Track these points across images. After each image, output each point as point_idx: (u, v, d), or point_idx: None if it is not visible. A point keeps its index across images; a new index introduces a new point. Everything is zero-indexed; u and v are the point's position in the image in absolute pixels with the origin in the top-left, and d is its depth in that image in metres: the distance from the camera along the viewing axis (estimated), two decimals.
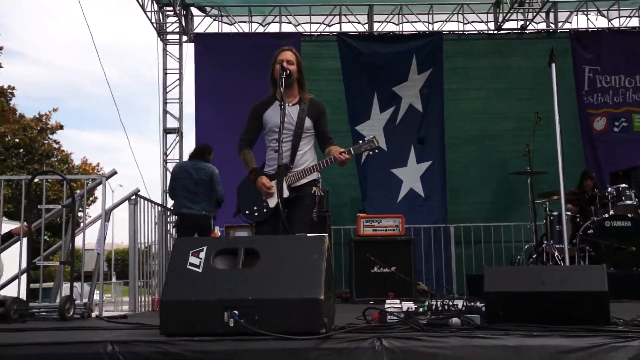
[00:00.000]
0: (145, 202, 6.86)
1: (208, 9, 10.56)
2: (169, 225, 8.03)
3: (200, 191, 7.39)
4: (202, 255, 3.31)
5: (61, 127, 24.59)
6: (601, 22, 10.59)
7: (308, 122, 4.54)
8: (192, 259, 3.30)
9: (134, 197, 6.47)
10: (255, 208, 4.54)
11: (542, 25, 10.65)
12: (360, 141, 4.48)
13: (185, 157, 9.34)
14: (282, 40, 9.79)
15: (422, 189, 10.00)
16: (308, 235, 3.51)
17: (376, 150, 4.44)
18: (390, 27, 10.62)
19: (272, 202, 4.45)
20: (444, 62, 10.21)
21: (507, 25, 10.42)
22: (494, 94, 10.28)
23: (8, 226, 7.29)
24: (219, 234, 8.07)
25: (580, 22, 10.62)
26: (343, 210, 9.92)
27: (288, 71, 4.44)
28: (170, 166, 10.20)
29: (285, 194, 4.38)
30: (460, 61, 10.35)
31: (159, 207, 7.69)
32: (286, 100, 4.49)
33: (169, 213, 7.85)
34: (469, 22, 10.55)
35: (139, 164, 18.73)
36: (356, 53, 10.21)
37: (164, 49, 10.58)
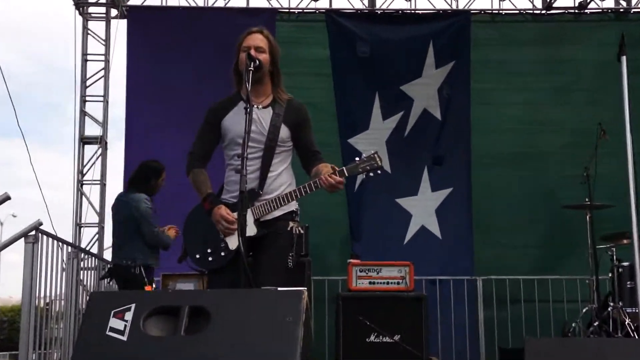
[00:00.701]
0: (50, 239, 6.77)
1: None
2: (83, 273, 7.97)
3: (126, 233, 7.46)
4: (129, 316, 3.28)
5: None
6: None
7: (285, 132, 4.56)
8: (114, 322, 3.26)
9: (32, 232, 6.37)
10: (208, 250, 4.52)
11: (609, 3, 10.81)
12: (357, 158, 4.46)
13: (114, 177, 9.36)
14: (250, 18, 9.87)
15: (439, 227, 10.04)
16: (280, 289, 3.50)
17: (379, 172, 4.44)
18: (399, 4, 10.72)
19: (233, 242, 4.43)
20: (472, 52, 10.32)
21: (560, 2, 10.58)
22: (541, 97, 10.40)
23: None
24: (153, 285, 8.02)
25: None
26: (329, 255, 9.92)
27: (257, 61, 4.46)
28: (87, 189, 10.21)
29: (251, 231, 4.37)
30: (495, 51, 10.47)
31: (69, 248, 7.64)
32: (254, 102, 4.49)
33: (83, 255, 7.80)
34: None
35: (42, 185, 18.59)
36: (351, 38, 10.29)
37: (85, 27, 10.60)
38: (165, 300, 3.40)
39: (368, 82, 10.25)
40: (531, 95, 10.40)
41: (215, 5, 10.61)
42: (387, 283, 7.69)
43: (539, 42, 10.55)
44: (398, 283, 7.70)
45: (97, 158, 10.37)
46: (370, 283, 7.72)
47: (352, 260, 8.09)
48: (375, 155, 4.45)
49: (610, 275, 8.02)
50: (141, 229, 7.36)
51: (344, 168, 4.43)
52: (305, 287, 4.44)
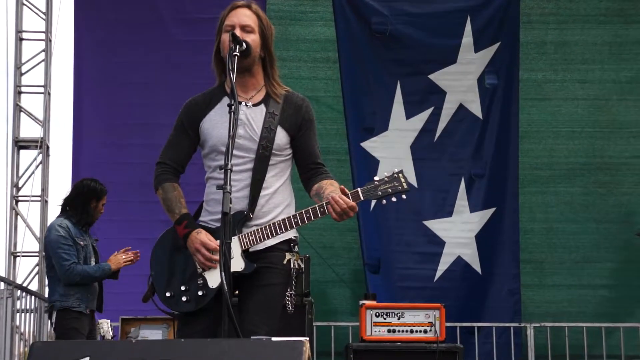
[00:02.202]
0: None
1: None
2: (19, 316, 8.00)
3: (48, 270, 7.70)
4: None
5: None
6: None
7: (282, 136, 4.57)
8: None
9: None
10: (182, 288, 4.52)
11: None
12: (376, 178, 4.49)
13: (58, 192, 9.39)
14: None
15: (479, 258, 10.07)
16: (275, 339, 3.53)
17: (403, 196, 4.48)
18: None
19: (214, 279, 4.44)
20: (522, 32, 10.38)
21: None
22: (613, 91, 10.46)
23: None
24: (110, 332, 8.08)
25: None
26: (336, 294, 9.96)
27: (244, 44, 4.45)
28: (23, 207, 10.21)
29: (237, 265, 4.39)
30: (550, 31, 10.53)
31: (1, 284, 7.68)
32: (242, 97, 4.52)
33: (19, 294, 7.84)
34: None
35: None
36: (365, 12, 10.32)
37: None
38: (126, 355, 3.42)
39: (387, 70, 10.31)
40: (600, 89, 10.46)
41: None
42: (412, 331, 7.71)
43: (607, 20, 10.59)
44: (425, 331, 7.72)
45: (37, 167, 10.39)
46: (389, 331, 7.74)
47: (365, 302, 8.10)
48: (400, 175, 4.49)
49: None
50: (53, 260, 7.47)
51: (358, 190, 4.44)
52: (307, 335, 4.46)
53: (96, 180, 7.89)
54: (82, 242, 7.56)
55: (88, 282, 7.53)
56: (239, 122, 4.44)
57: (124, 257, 7.58)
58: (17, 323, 7.91)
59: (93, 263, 7.63)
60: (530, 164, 10.25)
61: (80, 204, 7.70)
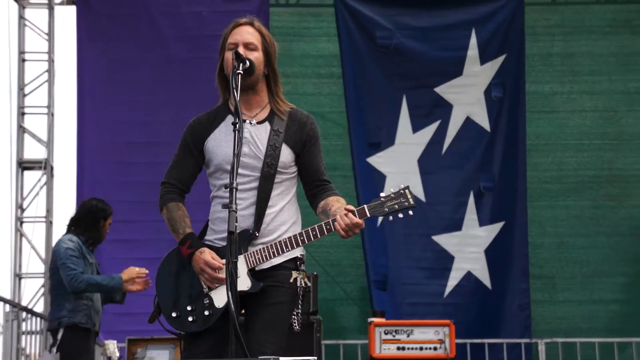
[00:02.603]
0: None
1: None
2: (24, 338, 8.01)
3: (52, 287, 7.65)
4: None
5: None
6: None
7: (287, 154, 4.56)
8: None
9: None
10: (188, 308, 4.52)
11: None
12: (382, 194, 4.48)
13: (63, 213, 9.42)
14: (235, 4, 9.95)
15: (489, 273, 10.06)
16: (282, 359, 3.52)
17: (410, 212, 4.47)
18: None
19: (220, 298, 4.44)
20: (527, 44, 10.39)
21: None
22: (621, 102, 10.48)
23: None
24: (117, 353, 8.09)
25: None
26: (344, 312, 9.97)
27: (247, 62, 4.44)
28: (28, 228, 10.23)
29: (244, 284, 4.39)
30: (558, 43, 10.55)
31: (7, 306, 7.70)
32: (246, 115, 4.52)
33: (25, 315, 7.84)
34: None
35: None
36: (369, 26, 10.34)
37: (21, 17, 10.68)
38: None
39: (392, 84, 10.34)
40: (608, 101, 10.48)
41: None
42: (421, 349, 7.71)
43: (613, 30, 10.61)
44: (435, 349, 7.72)
45: (41, 188, 10.42)
46: (398, 349, 7.74)
47: (374, 319, 8.10)
48: (407, 191, 4.47)
49: None
50: (61, 276, 7.48)
51: (365, 207, 4.44)
52: (315, 354, 4.47)
53: (102, 200, 7.93)
54: (90, 260, 7.57)
55: (95, 291, 7.50)
56: (243, 141, 4.45)
57: (137, 269, 7.55)
58: (23, 345, 7.91)
59: None
60: (539, 178, 10.25)
61: (91, 223, 7.71)
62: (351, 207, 4.41)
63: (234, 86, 4.31)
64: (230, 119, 4.44)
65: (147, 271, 7.51)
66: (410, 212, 4.47)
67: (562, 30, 10.59)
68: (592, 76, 10.52)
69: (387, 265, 10.00)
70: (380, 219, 9.67)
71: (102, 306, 7.71)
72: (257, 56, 4.54)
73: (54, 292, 7.63)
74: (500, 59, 10.37)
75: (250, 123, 4.55)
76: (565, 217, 10.24)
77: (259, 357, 3.82)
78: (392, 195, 4.47)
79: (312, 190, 4.67)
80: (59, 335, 7.46)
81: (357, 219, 4.36)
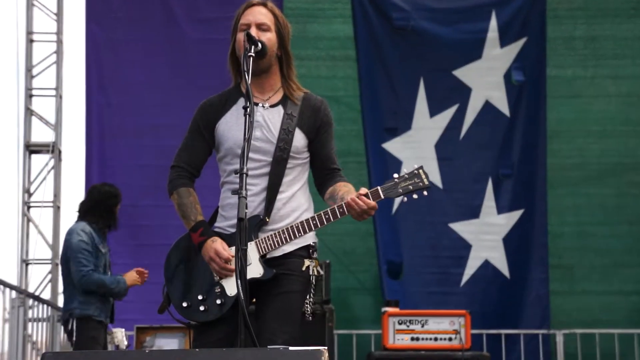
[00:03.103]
0: None
1: None
2: (31, 325, 8.03)
3: (65, 277, 7.73)
4: None
5: None
6: None
7: (300, 139, 4.56)
8: None
9: None
10: (199, 297, 4.51)
11: None
12: (396, 175, 4.47)
13: (71, 198, 9.44)
14: None
15: (507, 262, 10.05)
16: (292, 348, 3.51)
17: (425, 193, 4.47)
18: None
19: (232, 286, 4.41)
20: (549, 26, 10.36)
21: None
22: None
23: None
24: (125, 341, 8.12)
25: None
26: (357, 301, 9.97)
27: (260, 44, 4.43)
28: (36, 213, 10.25)
29: (255, 271, 4.39)
30: (580, 26, 10.50)
31: (13, 292, 7.72)
32: (258, 99, 4.52)
33: (32, 302, 7.87)
34: None
35: None
36: (384, 8, 10.30)
37: None
38: None
39: (409, 67, 10.31)
40: (629, 85, 10.42)
41: None
42: (436, 339, 7.70)
43: (638, 13, 10.55)
44: (450, 339, 7.71)
45: (49, 172, 10.44)
46: (412, 339, 7.73)
47: (388, 309, 8.11)
48: (420, 171, 4.46)
49: None
50: (70, 267, 7.52)
51: (378, 188, 4.42)
52: (327, 344, 4.45)
53: (113, 185, 7.96)
54: (103, 250, 7.61)
55: (102, 292, 7.55)
56: (255, 124, 4.44)
57: (134, 276, 7.58)
58: (29, 332, 7.94)
59: (110, 274, 7.69)
60: (560, 165, 10.21)
61: (105, 210, 7.74)
62: (364, 190, 4.39)
63: (245, 69, 4.30)
64: (241, 102, 4.44)
65: (146, 271, 7.56)
66: (425, 193, 4.46)
67: (585, 12, 10.51)
68: (615, 60, 10.45)
69: (402, 253, 9.99)
70: (395, 207, 9.77)
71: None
72: (269, 37, 4.53)
73: (65, 282, 7.69)
74: (521, 42, 10.31)
75: (263, 106, 4.55)
76: (587, 206, 10.19)
77: (269, 347, 3.82)
78: (405, 175, 4.46)
79: (322, 177, 4.68)
80: (70, 327, 7.51)
81: (371, 202, 4.35)
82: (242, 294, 3.91)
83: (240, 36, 4.48)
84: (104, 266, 7.60)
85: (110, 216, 7.73)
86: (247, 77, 4.26)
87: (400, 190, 4.45)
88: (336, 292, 9.01)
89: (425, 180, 4.46)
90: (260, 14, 4.56)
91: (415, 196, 4.48)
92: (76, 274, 7.43)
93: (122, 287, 7.51)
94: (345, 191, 4.48)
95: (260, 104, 4.53)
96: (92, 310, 7.48)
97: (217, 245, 4.47)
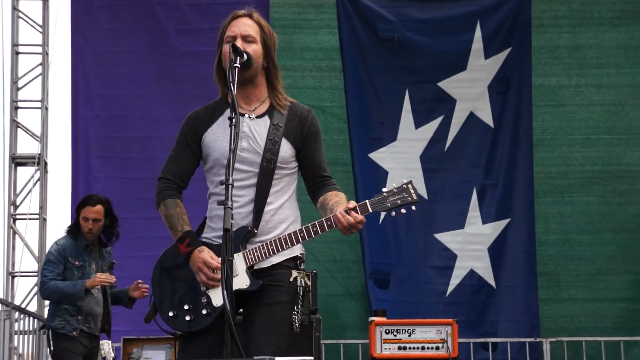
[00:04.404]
0: None
1: None
2: (17, 338, 7.99)
3: None
4: None
5: None
6: None
7: (286, 149, 4.56)
8: None
9: None
10: (185, 307, 4.53)
11: None
12: (385, 189, 4.50)
13: (57, 210, 9.41)
14: None
15: (492, 272, 10.08)
16: (279, 359, 3.53)
17: (413, 207, 4.49)
18: None
19: (218, 297, 4.42)
20: (534, 36, 10.42)
21: None
22: (630, 96, 10.48)
23: None
24: (112, 353, 8.10)
25: None
26: (344, 310, 10.00)
27: (245, 55, 4.44)
28: (22, 226, 10.22)
29: (242, 282, 4.41)
30: (565, 35, 10.56)
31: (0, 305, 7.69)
32: (244, 109, 4.54)
33: (18, 315, 7.83)
34: None
35: None
36: (371, 19, 10.35)
37: (14, 8, 10.71)
38: None
39: (395, 78, 10.37)
40: (613, 94, 10.48)
41: None
42: (423, 348, 7.72)
43: (622, 22, 10.60)
44: (437, 348, 7.73)
45: (35, 184, 10.45)
46: (399, 348, 7.75)
47: (375, 318, 8.12)
48: (409, 186, 4.49)
49: None
50: None
51: (367, 202, 4.44)
52: (314, 354, 4.46)
53: (91, 194, 7.95)
54: (77, 262, 7.58)
55: (60, 299, 7.54)
56: (242, 135, 4.47)
57: (103, 277, 7.53)
58: (15, 344, 7.91)
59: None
60: (545, 173, 10.27)
61: (75, 219, 7.77)
62: (353, 204, 4.42)
63: (231, 80, 4.29)
64: (228, 113, 4.38)
65: (113, 279, 7.49)
66: (413, 208, 4.48)
67: (569, 21, 10.59)
68: (600, 69, 10.53)
69: (390, 263, 10.01)
70: (382, 216, 9.76)
71: (107, 307, 7.74)
72: (255, 49, 4.53)
73: None
74: (506, 52, 10.40)
75: (249, 117, 4.56)
76: (571, 214, 10.25)
77: (255, 357, 3.82)
78: (394, 190, 4.48)
79: (313, 186, 4.69)
80: (47, 338, 7.53)
81: (359, 217, 4.37)
82: (228, 304, 3.90)
83: (226, 47, 4.46)
84: (80, 279, 7.56)
85: (75, 224, 7.71)
86: (232, 88, 4.24)
87: (389, 205, 4.47)
88: (325, 300, 9.05)
89: (413, 195, 4.48)
90: (245, 25, 4.56)
91: (403, 210, 4.49)
92: (39, 284, 7.46)
93: (78, 289, 7.44)
94: (336, 201, 4.49)
95: (246, 115, 4.53)
96: (56, 323, 7.53)
97: (205, 255, 4.47)
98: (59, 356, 7.57)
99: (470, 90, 10.35)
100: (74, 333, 7.49)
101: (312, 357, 3.45)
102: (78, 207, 7.80)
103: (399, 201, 4.46)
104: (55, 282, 7.50)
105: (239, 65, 4.37)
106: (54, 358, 7.56)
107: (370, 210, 4.42)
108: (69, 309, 7.53)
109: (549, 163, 10.30)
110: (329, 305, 9.56)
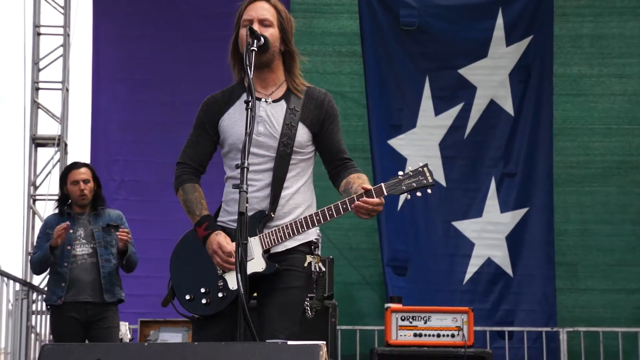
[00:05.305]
0: None
1: None
2: (35, 317, 8.03)
3: None
4: None
5: None
6: None
7: (303, 133, 4.58)
8: None
9: None
10: (202, 291, 4.57)
11: None
12: (400, 173, 4.50)
13: None
14: None
15: (510, 260, 10.07)
16: (291, 343, 3.55)
17: (429, 191, 4.49)
18: None
19: (234, 280, 4.34)
20: (555, 24, 10.38)
21: None
22: None
23: None
24: (129, 335, 8.14)
25: None
26: (361, 297, 10.01)
27: (262, 39, 4.44)
28: (42, 206, 10.26)
29: (259, 265, 4.44)
30: (586, 24, 10.51)
31: (17, 285, 7.73)
32: (261, 93, 4.56)
33: (35, 296, 7.86)
34: None
35: None
36: (392, 4, 10.32)
37: None
38: (138, 358, 3.45)
39: (415, 64, 10.33)
40: (635, 84, 10.43)
41: None
42: (439, 336, 7.73)
43: None
44: (453, 336, 7.74)
45: (54, 165, 10.46)
46: (415, 335, 7.76)
47: (391, 305, 8.14)
48: (425, 169, 4.48)
49: None
50: None
51: (382, 185, 4.43)
52: (329, 338, 4.46)
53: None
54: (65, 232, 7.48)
55: (40, 269, 7.62)
56: (258, 119, 4.49)
57: (60, 229, 7.35)
58: (33, 324, 7.95)
59: (84, 250, 7.56)
60: (565, 163, 10.24)
61: (60, 193, 7.79)
62: (368, 186, 4.42)
63: (247, 63, 4.31)
64: (245, 97, 4.38)
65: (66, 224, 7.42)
66: (429, 191, 4.48)
67: (592, 10, 10.52)
68: (622, 59, 10.47)
69: (408, 250, 10.01)
70: (400, 203, 9.77)
71: (110, 273, 7.62)
72: (272, 33, 4.56)
73: None
74: (527, 40, 10.34)
75: (266, 101, 4.59)
76: (591, 204, 10.21)
77: (267, 341, 3.83)
78: (410, 173, 4.48)
79: (334, 169, 4.71)
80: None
81: (375, 200, 4.37)
82: (242, 288, 3.93)
83: (243, 31, 4.50)
84: (63, 249, 7.48)
85: (62, 196, 7.73)
86: (249, 71, 4.27)
87: (404, 188, 4.46)
88: (341, 288, 9.05)
89: (429, 178, 4.47)
90: (262, 9, 4.59)
91: (419, 194, 4.49)
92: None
93: (44, 251, 7.41)
94: (359, 183, 4.49)
95: (263, 99, 4.58)
96: (48, 296, 7.56)
97: (220, 238, 4.51)
98: (52, 328, 7.60)
99: (491, 77, 10.30)
100: (59, 301, 7.43)
101: (324, 342, 3.43)
102: (62, 176, 7.76)
103: (415, 184, 4.46)
104: (35, 255, 7.57)
105: (256, 49, 4.39)
106: (51, 331, 7.55)
107: (386, 193, 4.42)
108: (53, 278, 7.55)
109: (569, 152, 10.26)
110: (345, 292, 9.59)
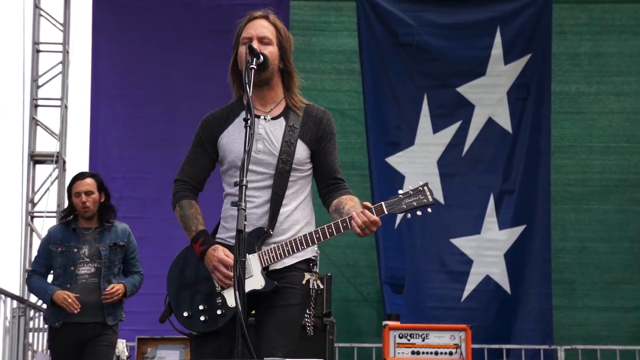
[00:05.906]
0: None
1: None
2: (32, 335, 8.01)
3: None
4: None
5: None
6: None
7: (302, 151, 4.58)
8: None
9: None
10: (200, 308, 4.56)
11: None
12: (400, 191, 4.51)
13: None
14: None
15: (508, 278, 10.06)
16: None
17: (429, 210, 4.50)
18: None
19: (232, 297, 4.36)
20: (554, 43, 10.39)
21: None
22: None
23: None
24: (126, 352, 8.11)
25: None
26: (359, 314, 10.00)
27: (261, 56, 4.47)
28: (39, 223, 10.25)
29: (258, 282, 4.43)
30: (586, 42, 10.53)
31: (15, 302, 7.72)
32: (260, 111, 4.57)
33: (33, 314, 7.84)
34: None
35: None
36: (391, 22, 10.35)
37: (36, 7, 10.75)
38: None
39: (414, 82, 10.35)
40: (633, 102, 10.45)
41: None
42: (436, 353, 7.72)
43: None
44: (451, 353, 7.73)
45: (53, 182, 10.48)
46: (413, 353, 7.75)
47: (389, 323, 8.13)
48: (425, 188, 4.49)
49: None
50: None
51: (382, 204, 4.44)
52: (327, 357, 4.46)
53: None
54: (59, 249, 7.34)
55: (36, 295, 7.53)
56: (257, 137, 4.50)
57: (69, 300, 7.10)
58: (30, 341, 7.94)
59: (88, 270, 7.35)
60: (563, 180, 10.25)
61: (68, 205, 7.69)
62: (368, 205, 4.43)
63: (246, 81, 4.31)
64: (244, 115, 4.38)
65: (75, 296, 7.24)
66: (429, 210, 4.49)
67: (590, 29, 10.56)
68: (620, 77, 10.50)
69: (405, 268, 10.01)
70: (397, 220, 9.77)
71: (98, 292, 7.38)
72: (271, 50, 4.57)
73: None
74: (525, 58, 10.37)
75: (265, 119, 4.59)
76: (589, 222, 10.22)
77: (265, 359, 3.83)
78: (410, 192, 4.49)
79: (326, 188, 4.70)
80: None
81: (374, 216, 4.37)
82: (240, 305, 3.90)
83: (242, 49, 4.51)
84: (64, 266, 7.32)
85: (68, 208, 7.57)
86: (248, 89, 4.27)
87: (404, 207, 4.47)
88: (340, 305, 9.06)
89: (429, 197, 4.48)
90: (262, 27, 4.60)
91: (419, 213, 4.49)
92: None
93: (45, 299, 7.27)
94: (351, 206, 4.50)
95: (262, 116, 4.58)
96: (45, 313, 7.45)
97: (220, 253, 4.50)
98: (50, 346, 7.48)
99: (489, 95, 10.32)
100: (57, 324, 7.26)
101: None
102: (68, 187, 7.55)
103: (415, 203, 4.46)
104: (32, 281, 7.38)
105: (255, 67, 4.40)
106: (49, 348, 7.49)
107: (386, 212, 4.43)
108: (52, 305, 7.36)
109: (567, 170, 10.27)
110: (343, 309, 9.58)
